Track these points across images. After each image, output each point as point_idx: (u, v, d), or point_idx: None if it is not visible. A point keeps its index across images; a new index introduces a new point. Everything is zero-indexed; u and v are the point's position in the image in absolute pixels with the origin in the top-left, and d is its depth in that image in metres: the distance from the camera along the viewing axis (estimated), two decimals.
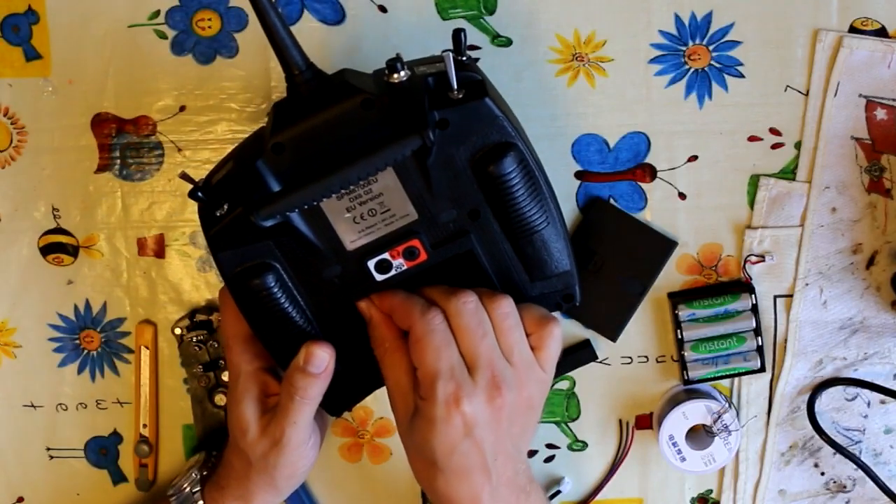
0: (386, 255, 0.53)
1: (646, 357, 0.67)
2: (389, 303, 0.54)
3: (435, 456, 0.52)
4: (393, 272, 0.54)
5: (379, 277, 0.54)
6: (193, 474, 0.63)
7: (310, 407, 0.56)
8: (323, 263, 0.53)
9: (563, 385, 0.67)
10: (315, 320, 0.55)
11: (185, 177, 0.51)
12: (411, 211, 0.52)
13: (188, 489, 0.62)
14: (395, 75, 0.49)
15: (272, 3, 0.48)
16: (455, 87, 0.49)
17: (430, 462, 0.53)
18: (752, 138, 0.64)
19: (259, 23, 0.49)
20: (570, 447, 0.68)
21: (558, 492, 0.68)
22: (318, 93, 0.50)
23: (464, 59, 0.52)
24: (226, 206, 0.51)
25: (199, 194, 0.51)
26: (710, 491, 0.69)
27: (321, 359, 0.54)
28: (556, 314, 0.59)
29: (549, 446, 0.68)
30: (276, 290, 0.53)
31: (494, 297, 0.54)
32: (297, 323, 0.54)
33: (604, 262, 0.65)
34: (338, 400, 0.59)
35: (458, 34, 0.51)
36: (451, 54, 0.49)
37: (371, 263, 0.53)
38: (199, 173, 0.66)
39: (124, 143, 0.66)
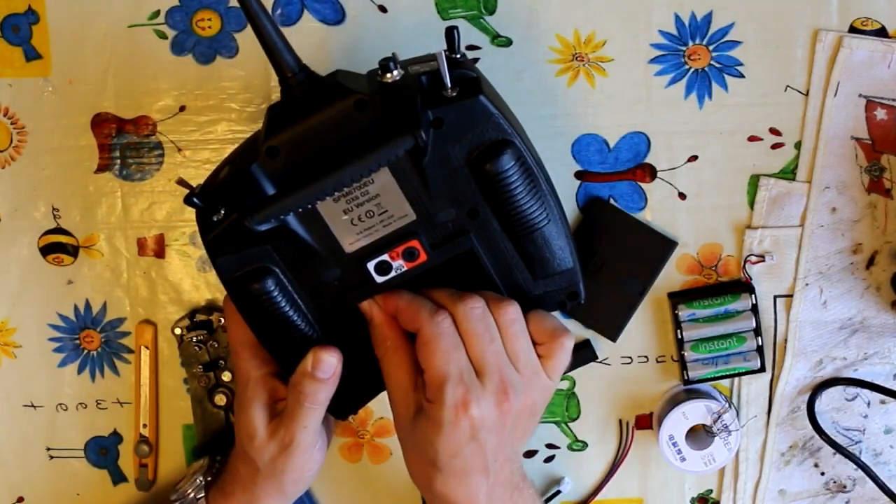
0: (385, 257, 0.53)
1: (646, 357, 0.67)
2: (395, 304, 0.54)
3: (437, 457, 0.52)
4: (393, 273, 0.54)
5: (379, 279, 0.54)
6: (198, 480, 0.63)
7: (318, 411, 0.55)
8: (322, 266, 0.53)
9: (563, 385, 0.67)
10: (317, 324, 0.55)
11: (182, 183, 0.51)
12: (409, 212, 0.52)
13: (192, 494, 0.62)
14: (388, 75, 0.49)
15: (262, 7, 0.48)
16: (448, 85, 0.49)
17: (429, 462, 0.53)
18: (752, 138, 0.64)
19: (250, 27, 0.49)
20: (570, 447, 0.68)
21: (558, 492, 0.68)
22: (311, 95, 0.50)
23: (458, 56, 0.52)
24: (222, 211, 0.51)
25: (195, 200, 0.51)
26: (710, 491, 0.69)
27: (329, 364, 0.54)
28: (555, 313, 0.59)
29: (549, 446, 0.68)
30: (276, 294, 0.53)
31: (501, 303, 0.53)
32: (299, 327, 0.54)
33: (604, 262, 0.65)
34: (343, 403, 0.58)
35: (450, 32, 0.51)
36: (443, 52, 0.48)
37: (371, 265, 0.53)
38: (200, 173, 0.66)
39: (124, 143, 0.66)
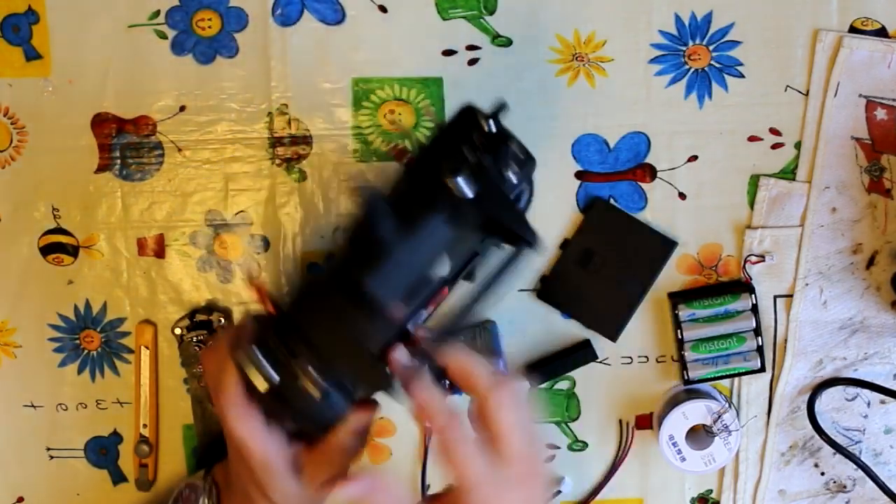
0: (424, 313, 0.53)
1: (646, 357, 0.67)
2: (419, 399, 0.50)
3: None
4: (423, 317, 0.53)
5: (412, 328, 0.52)
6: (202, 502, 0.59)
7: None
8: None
9: (564, 385, 0.67)
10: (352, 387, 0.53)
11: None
12: (447, 271, 0.52)
13: None
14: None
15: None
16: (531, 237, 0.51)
17: None
18: (752, 138, 0.64)
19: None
20: (570, 447, 0.68)
21: (558, 492, 0.68)
22: None
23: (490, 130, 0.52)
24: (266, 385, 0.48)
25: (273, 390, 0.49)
26: (710, 491, 0.69)
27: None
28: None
29: (549, 446, 0.68)
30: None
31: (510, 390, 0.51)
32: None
33: (604, 262, 0.65)
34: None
35: (505, 140, 0.52)
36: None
37: (410, 325, 0.52)
38: (200, 173, 0.66)
39: (124, 143, 0.66)
